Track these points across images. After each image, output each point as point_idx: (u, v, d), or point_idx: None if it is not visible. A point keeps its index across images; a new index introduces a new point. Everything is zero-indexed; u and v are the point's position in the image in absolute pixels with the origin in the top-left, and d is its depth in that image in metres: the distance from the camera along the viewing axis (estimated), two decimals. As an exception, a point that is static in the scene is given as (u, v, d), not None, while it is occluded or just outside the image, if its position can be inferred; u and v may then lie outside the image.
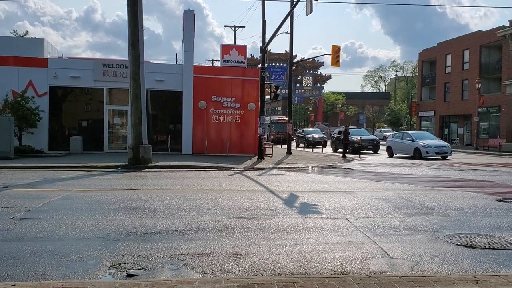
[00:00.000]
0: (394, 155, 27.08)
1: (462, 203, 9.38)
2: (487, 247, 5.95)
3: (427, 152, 24.54)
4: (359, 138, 29.01)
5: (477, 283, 4.33)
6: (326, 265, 5.13)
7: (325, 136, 41.25)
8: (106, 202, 9.00)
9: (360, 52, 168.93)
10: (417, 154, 24.90)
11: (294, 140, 40.15)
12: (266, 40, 24.22)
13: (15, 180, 12.49)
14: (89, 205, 8.61)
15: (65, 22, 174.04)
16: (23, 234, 6.33)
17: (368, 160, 24.39)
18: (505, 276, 4.60)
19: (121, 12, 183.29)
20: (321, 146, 35.16)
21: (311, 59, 66.80)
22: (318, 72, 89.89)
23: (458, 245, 6.03)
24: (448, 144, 26.54)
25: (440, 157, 24.85)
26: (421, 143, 25.09)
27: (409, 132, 29.16)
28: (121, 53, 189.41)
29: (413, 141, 25.80)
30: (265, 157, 22.51)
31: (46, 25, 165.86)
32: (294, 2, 21.72)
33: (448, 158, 24.90)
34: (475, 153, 32.94)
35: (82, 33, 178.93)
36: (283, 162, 21.19)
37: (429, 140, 25.89)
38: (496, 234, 6.66)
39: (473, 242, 6.15)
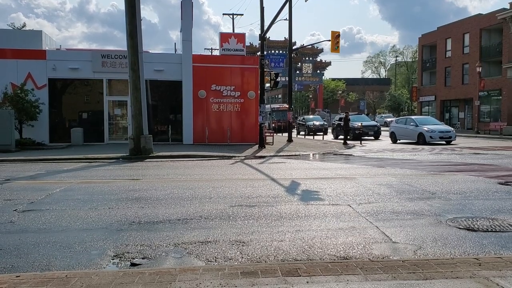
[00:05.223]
0: (398, 141, 26.97)
1: (463, 187, 9.38)
2: (489, 230, 5.96)
3: (431, 137, 24.43)
4: (360, 124, 28.93)
5: (479, 265, 4.34)
6: (329, 250, 5.15)
7: (326, 123, 41.17)
8: (108, 193, 9.02)
9: (358, 38, 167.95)
10: (421, 139, 24.78)
11: (295, 128, 40.09)
12: (265, 28, 24.07)
13: (17, 173, 12.52)
14: (91, 196, 8.63)
15: (59, 14, 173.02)
16: (26, 226, 6.35)
17: (370, 146, 24.37)
18: (508, 258, 4.61)
19: (116, 2, 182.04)
20: (322, 133, 35.12)
21: (310, 46, 66.20)
22: (318, 59, 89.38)
23: (460, 228, 6.04)
24: (452, 129, 26.42)
25: (444, 142, 24.78)
26: (425, 128, 24.97)
27: (413, 117, 28.93)
28: (118, 43, 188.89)
29: (416, 126, 25.63)
30: (266, 145, 22.50)
31: (41, 16, 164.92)
32: (293, -12, 21.50)
33: (452, 142, 24.84)
34: (476, 137, 32.91)
35: (77, 24, 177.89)
36: (284, 150, 21.18)
37: (433, 125, 25.77)
38: (498, 217, 6.67)
39: (475, 225, 6.15)
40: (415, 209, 7.28)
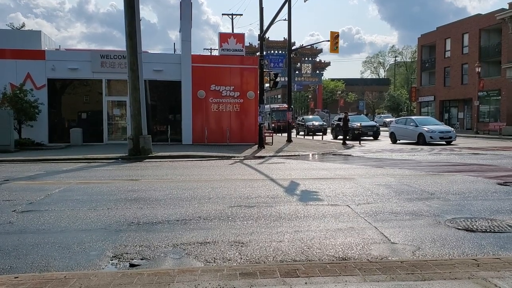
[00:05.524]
0: (398, 141, 26.94)
1: (462, 187, 9.39)
2: (488, 230, 5.97)
3: (431, 137, 24.37)
4: (359, 124, 28.93)
5: (478, 266, 4.34)
6: (328, 251, 5.15)
7: (325, 123, 41.18)
8: (107, 193, 9.02)
9: (357, 38, 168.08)
10: (421, 140, 24.71)
11: (295, 128, 40.09)
12: (264, 28, 24.08)
13: (16, 173, 12.51)
14: (90, 197, 8.63)
15: (58, 14, 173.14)
16: (25, 226, 6.35)
17: (369, 146, 24.37)
18: (506, 258, 4.62)
19: (115, 2, 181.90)
20: (321, 134, 35.14)
21: (309, 46, 66.18)
22: (317, 59, 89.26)
23: (459, 229, 6.04)
24: (452, 129, 26.37)
25: (444, 142, 24.76)
26: (425, 128, 24.93)
27: (413, 117, 28.86)
28: (117, 44, 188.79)
29: (416, 126, 25.57)
30: (265, 146, 22.50)
31: (40, 16, 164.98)
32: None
33: (452, 143, 24.81)
34: (475, 137, 32.93)
35: (76, 24, 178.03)
36: (284, 150, 21.19)
37: (433, 125, 25.72)
38: (497, 217, 6.67)
39: (474, 226, 6.16)
40: (414, 209, 7.29)
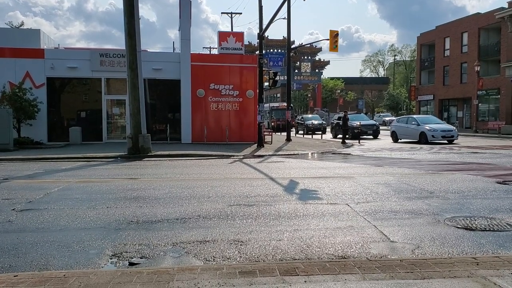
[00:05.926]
0: (399, 140, 26.91)
1: (462, 186, 9.39)
2: (487, 229, 5.97)
3: (433, 136, 24.28)
4: (358, 123, 28.90)
5: (477, 264, 4.35)
6: (327, 250, 5.15)
7: (324, 122, 41.14)
8: (107, 192, 9.02)
9: (357, 37, 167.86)
10: (423, 139, 24.59)
11: (294, 127, 40.05)
12: (264, 26, 24.08)
13: (15, 172, 12.50)
14: (89, 195, 8.62)
15: (57, 12, 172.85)
16: (24, 225, 6.34)
17: (368, 145, 24.37)
18: (506, 257, 4.62)
19: (114, 1, 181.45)
20: (320, 133, 35.10)
21: (309, 45, 66.24)
22: (317, 58, 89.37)
23: (458, 227, 6.04)
24: (454, 128, 26.27)
25: (446, 141, 24.71)
26: (427, 127, 24.85)
27: (414, 116, 28.69)
28: (116, 42, 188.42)
29: (418, 125, 25.48)
30: (264, 145, 22.49)
31: (38, 15, 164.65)
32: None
33: (453, 142, 24.76)
34: (474, 136, 32.95)
35: (75, 23, 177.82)
36: (283, 149, 21.18)
37: (435, 124, 25.62)
38: (496, 216, 6.68)
39: (473, 225, 6.16)
40: (413, 208, 7.29)
